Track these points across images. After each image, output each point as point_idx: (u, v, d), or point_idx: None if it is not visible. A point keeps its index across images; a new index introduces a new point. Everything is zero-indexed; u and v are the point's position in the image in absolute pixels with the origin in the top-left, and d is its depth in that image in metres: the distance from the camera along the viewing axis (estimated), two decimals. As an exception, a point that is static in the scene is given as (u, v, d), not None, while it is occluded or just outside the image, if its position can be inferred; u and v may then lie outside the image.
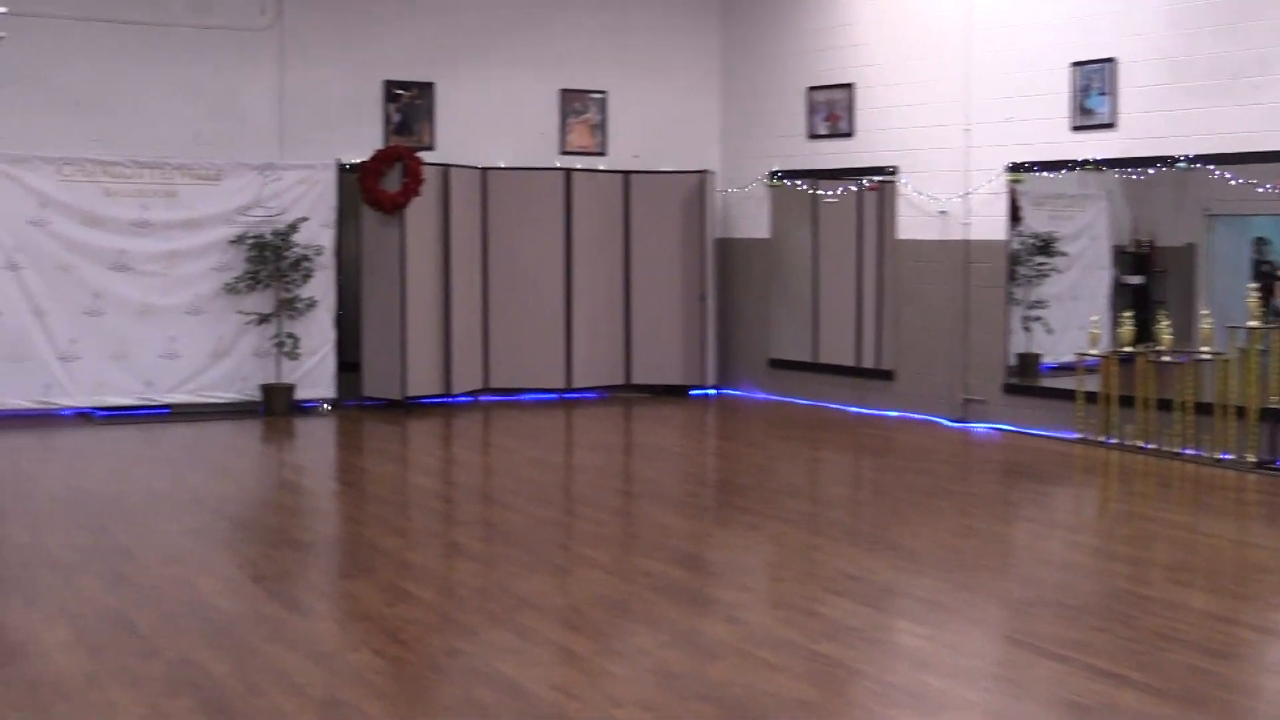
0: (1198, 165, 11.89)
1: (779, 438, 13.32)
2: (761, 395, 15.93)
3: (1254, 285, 11.58)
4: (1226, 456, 11.33)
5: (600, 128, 16.24)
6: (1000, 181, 13.40)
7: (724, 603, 7.26)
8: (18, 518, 9.36)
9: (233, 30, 14.56)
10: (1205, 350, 11.74)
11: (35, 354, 13.52)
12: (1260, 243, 13.49)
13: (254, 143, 14.59)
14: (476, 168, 15.27)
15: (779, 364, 15.83)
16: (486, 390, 15.42)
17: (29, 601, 7.13)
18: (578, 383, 15.73)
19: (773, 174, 15.74)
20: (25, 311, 13.46)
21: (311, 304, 14.32)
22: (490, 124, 15.64)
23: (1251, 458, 11.20)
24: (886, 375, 14.61)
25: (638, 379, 15.99)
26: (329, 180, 14.53)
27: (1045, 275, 14.26)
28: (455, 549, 8.62)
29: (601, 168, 15.99)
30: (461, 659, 6.28)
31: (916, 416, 14.11)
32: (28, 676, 5.95)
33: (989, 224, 13.54)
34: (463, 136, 15.45)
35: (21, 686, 5.84)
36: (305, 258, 14.21)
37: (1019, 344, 13.82)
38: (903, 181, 14.31)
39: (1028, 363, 13.99)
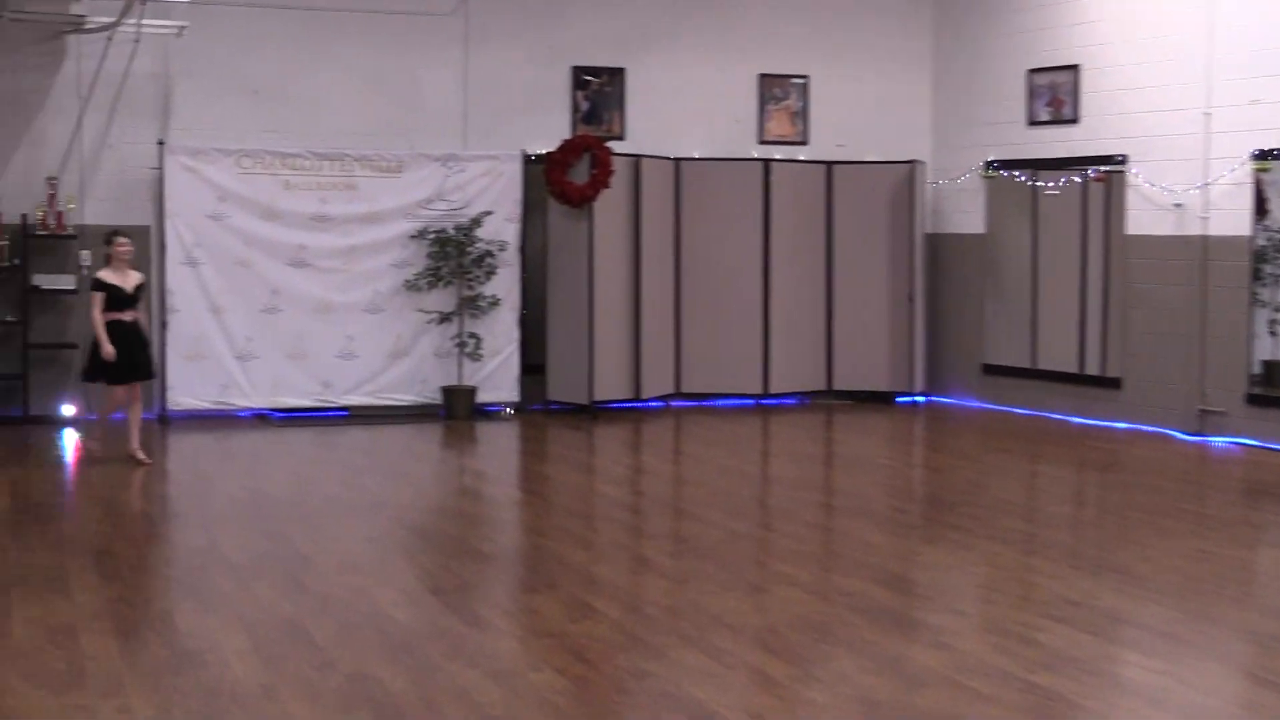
0: None
1: (993, 450, 13.11)
2: (974, 403, 15.71)
3: None
4: None
5: (801, 115, 16.18)
6: (1244, 170, 13.00)
7: (932, 627, 7.17)
8: (195, 520, 9.70)
9: (416, 16, 14.87)
10: None
11: (213, 353, 13.97)
12: None
13: (436, 133, 14.88)
14: (669, 158, 15.33)
15: (994, 370, 15.59)
16: (678, 395, 15.48)
17: (206, 607, 7.37)
18: (775, 388, 15.69)
19: (988, 164, 15.51)
20: (203, 309, 13.93)
21: (495, 302, 14.54)
22: (684, 112, 15.70)
23: None
24: (1113, 383, 14.29)
25: (840, 385, 15.89)
26: (514, 172, 14.74)
27: (1295, 274, 13.81)
28: (644, 564, 8.67)
29: (802, 158, 15.93)
30: (650, 681, 6.31)
31: (1146, 429, 13.76)
32: (205, 684, 6.16)
33: (1231, 218, 13.15)
34: (655, 125, 15.54)
35: (199, 694, 6.04)
36: (489, 253, 14.43)
37: (1264, 350, 13.38)
38: (1133, 172, 13.98)
39: (1274, 371, 13.54)
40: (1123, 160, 14.09)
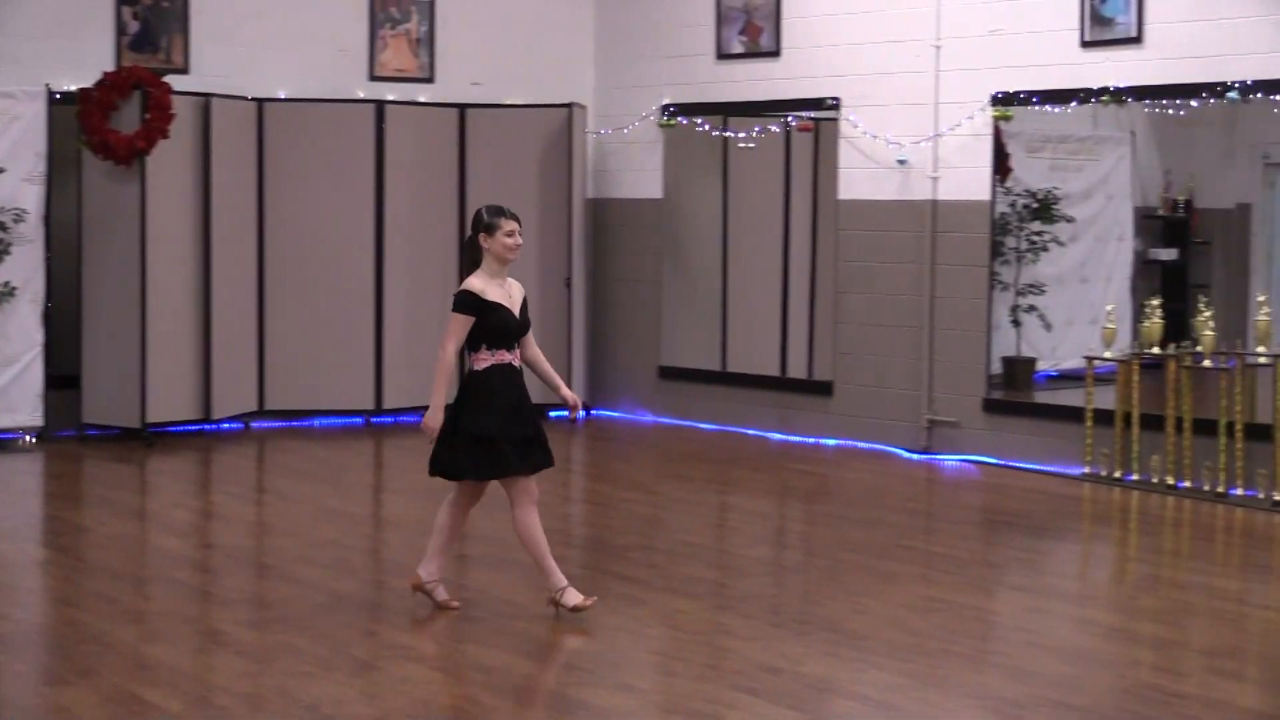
0: (1256, 95, 12.10)
1: (672, 477, 13.35)
2: (648, 418, 15.97)
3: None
4: (1289, 499, 11.58)
5: (426, 43, 16.18)
6: (983, 119, 13.50)
7: (595, 709, 7.25)
8: None
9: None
10: (1262, 352, 11.95)
11: None
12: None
13: (-75, 61, 14.42)
14: (248, 99, 15.16)
15: (673, 375, 15.84)
16: (262, 414, 15.30)
17: None
18: (392, 403, 15.68)
19: (666, 109, 15.78)
20: None
21: (9, 293, 14.15)
22: (267, 37, 15.51)
23: (1322, 500, 11.46)
24: (823, 389, 14.67)
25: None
26: (35, 115, 14.35)
27: (1043, 249, 14.43)
28: (215, 639, 8.54)
29: (426, 99, 15.95)
30: (219, 794, 6.23)
31: (863, 446, 14.21)
32: None
33: (966, 178, 13.64)
34: (229, 54, 15.32)
35: None
36: (0, 225, 14.06)
37: (1005, 345, 13.98)
38: (848, 119, 14.39)
39: (1017, 370, 14.14)
40: (835, 104, 14.48)
